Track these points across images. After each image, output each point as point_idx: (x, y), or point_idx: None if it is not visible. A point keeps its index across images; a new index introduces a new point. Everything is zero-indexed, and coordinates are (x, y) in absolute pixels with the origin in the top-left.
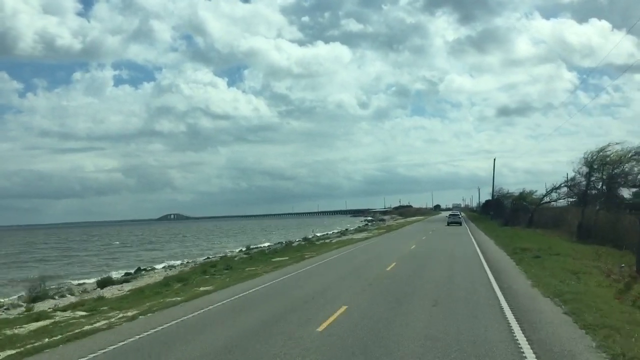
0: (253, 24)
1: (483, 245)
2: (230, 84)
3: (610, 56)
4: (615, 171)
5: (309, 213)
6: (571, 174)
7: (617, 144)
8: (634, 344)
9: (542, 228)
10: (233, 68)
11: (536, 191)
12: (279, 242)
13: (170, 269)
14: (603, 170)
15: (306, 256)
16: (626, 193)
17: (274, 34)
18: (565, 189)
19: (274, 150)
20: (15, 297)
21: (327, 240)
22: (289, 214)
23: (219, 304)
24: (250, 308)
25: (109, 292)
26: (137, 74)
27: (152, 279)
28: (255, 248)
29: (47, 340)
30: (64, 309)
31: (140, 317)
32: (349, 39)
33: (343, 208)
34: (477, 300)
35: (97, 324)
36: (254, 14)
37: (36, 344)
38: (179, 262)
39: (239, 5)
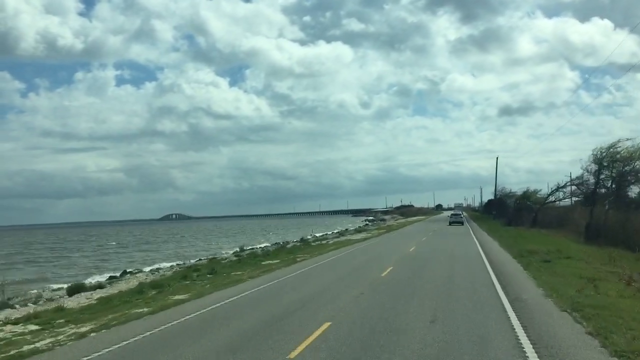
0: (255, 23)
1: (486, 246)
2: (232, 83)
3: (612, 55)
4: (626, 168)
5: (311, 213)
6: (574, 173)
7: (627, 139)
8: None
9: (547, 228)
10: (235, 68)
11: (540, 190)
12: (275, 243)
13: (156, 272)
14: (613, 168)
15: (298, 259)
16: (637, 192)
17: (276, 33)
18: (570, 188)
19: (275, 150)
20: None
21: (324, 242)
22: (290, 213)
23: (187, 317)
24: (220, 324)
25: (75, 301)
26: (138, 74)
27: (128, 284)
28: (249, 249)
29: None
30: (15, 322)
31: (91, 334)
32: (351, 39)
33: (344, 208)
34: (483, 316)
35: (40, 343)
36: (256, 14)
37: None
38: (169, 264)
39: (241, 5)
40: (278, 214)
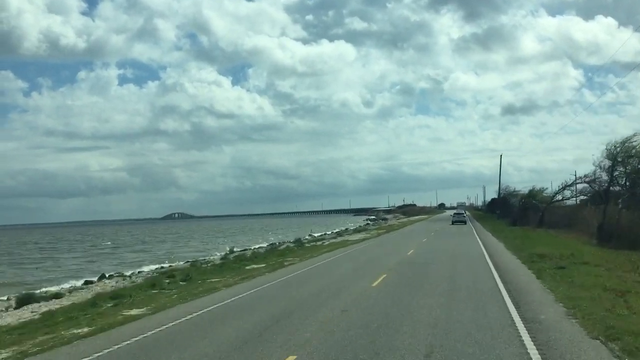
0: (257, 22)
1: (492, 249)
2: (235, 82)
3: (616, 53)
4: None
5: (313, 212)
6: (582, 171)
7: None
8: None
9: (554, 228)
10: (237, 67)
11: (546, 189)
12: (272, 243)
13: (135, 277)
14: (627, 164)
15: (286, 263)
16: None
17: (278, 32)
18: (575, 187)
19: (278, 149)
20: None
21: (320, 243)
22: (292, 212)
23: (122, 344)
24: (161, 355)
25: (16, 316)
26: (141, 73)
27: (90, 293)
28: (241, 251)
29: None
30: None
31: None
32: (354, 37)
33: (347, 207)
34: (494, 348)
35: None
36: (258, 13)
37: None
38: (155, 266)
39: (243, 4)
40: (280, 213)
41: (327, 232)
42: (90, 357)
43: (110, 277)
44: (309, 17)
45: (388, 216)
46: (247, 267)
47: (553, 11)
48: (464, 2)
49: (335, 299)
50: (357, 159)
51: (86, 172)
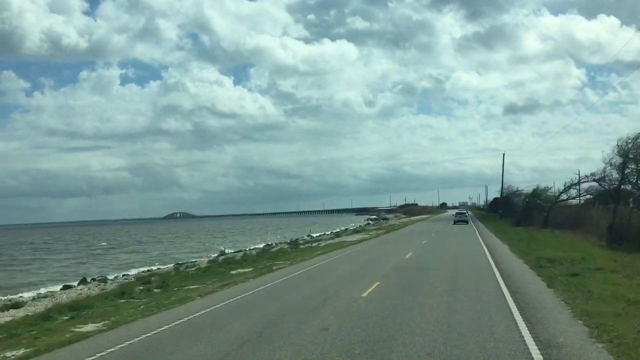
0: (259, 22)
1: (496, 252)
2: (236, 82)
3: (618, 53)
4: None
5: (315, 212)
6: (586, 170)
7: None
8: None
9: (560, 229)
10: (239, 66)
11: (551, 188)
12: (268, 244)
13: (118, 280)
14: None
15: (275, 267)
16: None
17: (280, 31)
18: (584, 185)
19: (280, 148)
20: None
21: (315, 244)
22: (294, 212)
23: None
24: None
25: None
26: (143, 73)
27: (53, 302)
28: (235, 252)
29: None
30: None
31: None
32: (355, 37)
33: (349, 206)
34: None
35: None
36: (260, 12)
37: None
38: (145, 268)
39: (245, 3)
40: (282, 213)
41: (327, 232)
42: None
43: (93, 280)
44: (311, 17)
45: (389, 216)
46: (233, 272)
47: (555, 10)
48: (466, 1)
49: (317, 314)
50: (358, 158)
51: (88, 171)
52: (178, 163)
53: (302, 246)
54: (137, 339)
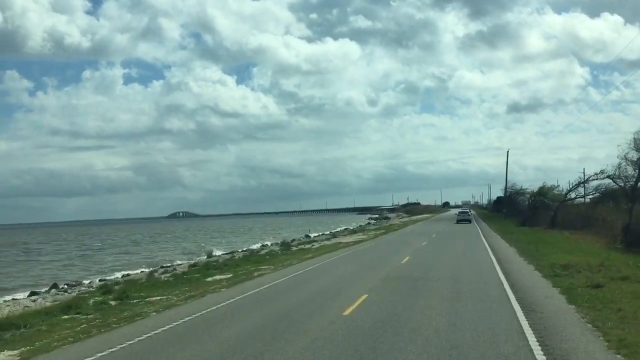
0: (261, 21)
1: (502, 256)
2: (239, 81)
3: (622, 51)
4: None
5: (317, 211)
6: (590, 168)
7: None
8: None
9: (568, 229)
10: (242, 66)
11: (558, 186)
12: (263, 245)
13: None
14: None
15: (257, 273)
16: None
17: (282, 31)
18: (595, 183)
19: (282, 148)
20: None
21: (309, 245)
22: (297, 211)
23: None
24: None
25: None
26: (146, 72)
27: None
28: (225, 253)
29: None
30: None
31: None
32: (358, 36)
33: (351, 206)
34: None
35: None
36: (263, 11)
37: None
38: (132, 272)
39: (248, 3)
40: (285, 212)
41: (325, 232)
42: None
43: (67, 285)
44: (313, 16)
45: (391, 215)
46: (208, 279)
47: (559, 8)
48: None
49: (287, 340)
50: (361, 157)
51: (91, 171)
52: (181, 162)
53: (294, 248)
54: None
